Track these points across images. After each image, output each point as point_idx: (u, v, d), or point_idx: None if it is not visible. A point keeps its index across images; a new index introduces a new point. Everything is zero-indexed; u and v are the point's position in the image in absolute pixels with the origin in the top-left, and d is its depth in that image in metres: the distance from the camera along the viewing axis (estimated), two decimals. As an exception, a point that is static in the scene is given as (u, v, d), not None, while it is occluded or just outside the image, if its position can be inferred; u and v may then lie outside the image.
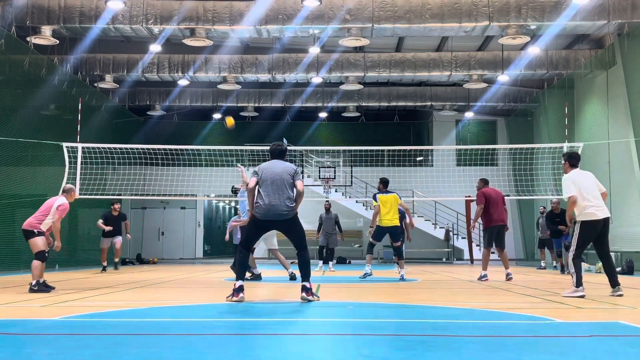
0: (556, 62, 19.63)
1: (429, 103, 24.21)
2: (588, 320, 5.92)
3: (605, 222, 7.86)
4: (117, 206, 15.22)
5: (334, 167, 23.38)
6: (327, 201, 17.09)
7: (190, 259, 25.79)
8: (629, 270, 14.05)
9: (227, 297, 7.37)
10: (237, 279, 7.37)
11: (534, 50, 18.92)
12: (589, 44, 19.67)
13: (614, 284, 8.02)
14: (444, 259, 25.19)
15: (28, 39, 16.31)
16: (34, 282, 8.35)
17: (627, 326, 5.40)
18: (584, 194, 7.83)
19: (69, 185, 9.30)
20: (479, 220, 12.06)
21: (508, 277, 11.29)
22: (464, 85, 21.79)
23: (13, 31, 15.70)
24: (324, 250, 16.04)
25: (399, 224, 11.92)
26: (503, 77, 20.32)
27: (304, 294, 7.23)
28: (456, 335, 4.89)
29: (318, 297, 7.47)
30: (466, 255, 24.58)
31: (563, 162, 8.36)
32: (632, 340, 4.76)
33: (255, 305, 7.14)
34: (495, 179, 19.08)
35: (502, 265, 12.13)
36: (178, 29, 16.59)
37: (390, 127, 27.06)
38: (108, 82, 20.50)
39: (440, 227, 25.00)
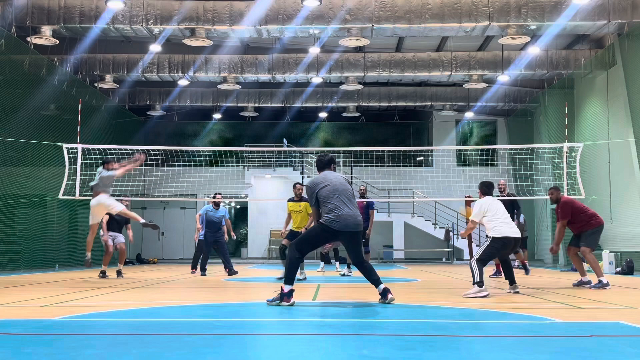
0: (556, 62, 19.63)
1: (429, 103, 24.21)
2: (588, 320, 5.92)
3: (516, 241, 8.27)
4: (126, 203, 13.43)
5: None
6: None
7: (190, 259, 25.76)
8: (629, 270, 14.03)
9: (271, 301, 6.88)
10: (287, 283, 6.83)
11: (534, 50, 18.92)
12: (589, 44, 19.67)
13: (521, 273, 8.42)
14: (444, 259, 25.19)
15: (28, 39, 16.31)
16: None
17: (627, 326, 5.40)
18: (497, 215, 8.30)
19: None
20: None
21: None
22: (464, 85, 21.80)
23: (13, 31, 15.71)
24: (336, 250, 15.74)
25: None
26: (503, 77, 20.32)
27: (390, 296, 7.02)
28: (456, 335, 4.89)
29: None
30: (466, 255, 24.57)
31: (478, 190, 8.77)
32: (632, 340, 4.76)
33: (255, 306, 7.14)
34: (495, 179, 19.09)
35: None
36: (178, 29, 16.60)
37: (390, 127, 27.06)
38: (108, 82, 20.50)
39: (440, 227, 25.02)
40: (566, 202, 9.64)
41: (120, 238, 12.88)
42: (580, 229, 9.56)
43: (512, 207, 12.63)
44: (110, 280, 11.53)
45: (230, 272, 13.16)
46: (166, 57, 20.12)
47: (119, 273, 12.45)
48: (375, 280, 7.23)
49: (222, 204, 13.61)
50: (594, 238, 9.53)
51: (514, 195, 13.77)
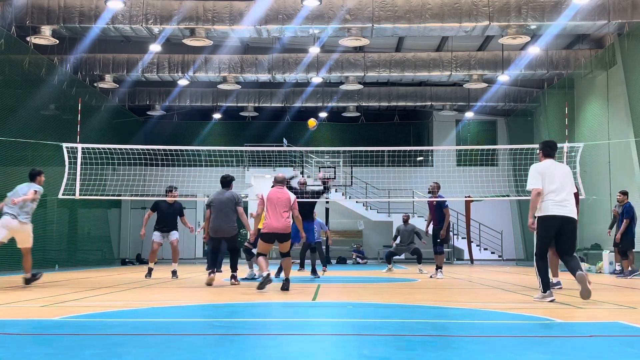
0: (556, 62, 19.63)
1: (429, 103, 24.22)
2: (588, 320, 5.91)
3: (564, 220, 7.08)
4: (175, 193, 12.28)
5: (334, 167, 23.38)
6: (405, 213, 16.74)
7: (190, 259, 25.77)
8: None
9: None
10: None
11: (534, 50, 18.92)
12: (589, 44, 19.67)
13: (548, 284, 7.24)
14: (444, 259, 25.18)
15: (28, 39, 16.31)
16: (265, 273, 8.75)
17: (627, 326, 5.40)
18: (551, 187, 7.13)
19: (282, 175, 9.61)
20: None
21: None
22: (464, 85, 21.80)
23: (13, 31, 15.70)
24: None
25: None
26: (503, 77, 20.32)
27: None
28: (456, 335, 4.88)
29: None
30: (466, 256, 24.58)
31: (538, 151, 7.71)
32: (632, 340, 4.76)
33: (255, 306, 7.14)
34: (495, 179, 19.10)
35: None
36: (178, 29, 16.59)
37: (390, 127, 27.05)
38: (108, 82, 20.50)
39: (440, 227, 24.97)
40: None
41: (174, 234, 12.06)
42: None
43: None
44: (110, 280, 11.53)
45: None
46: (166, 57, 20.12)
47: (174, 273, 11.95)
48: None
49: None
50: None
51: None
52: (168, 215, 12.00)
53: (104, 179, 15.42)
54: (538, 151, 7.61)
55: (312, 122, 12.39)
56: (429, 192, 13.09)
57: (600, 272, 14.82)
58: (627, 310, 6.61)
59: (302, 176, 19.22)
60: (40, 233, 17.12)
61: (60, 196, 12.73)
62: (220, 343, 4.53)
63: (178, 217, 12.19)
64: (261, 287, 8.57)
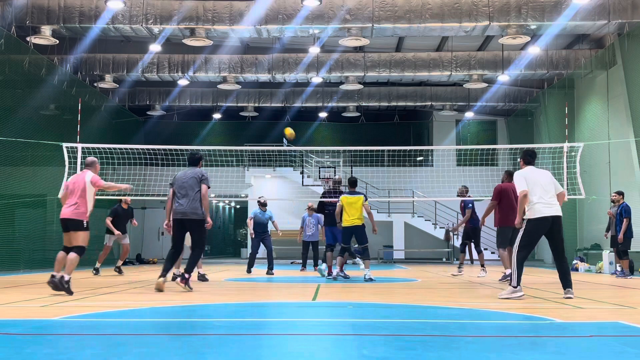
0: (556, 62, 19.62)
1: (429, 103, 24.21)
2: (588, 320, 5.91)
3: (553, 219, 7.63)
4: (128, 199, 14.10)
5: (334, 167, 23.38)
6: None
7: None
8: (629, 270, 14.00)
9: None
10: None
11: (534, 50, 18.92)
12: (589, 44, 19.66)
13: (566, 285, 7.76)
14: (444, 259, 25.19)
15: (28, 39, 16.31)
16: (67, 277, 7.89)
17: (627, 326, 5.40)
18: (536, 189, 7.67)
19: (91, 158, 8.76)
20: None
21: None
22: (464, 85, 21.79)
23: (13, 31, 15.70)
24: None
25: (360, 224, 11.29)
26: (503, 77, 20.32)
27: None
28: (456, 335, 4.89)
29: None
30: (466, 256, 24.55)
31: (519, 159, 8.30)
32: (632, 340, 4.76)
33: (255, 306, 7.14)
34: (495, 179, 19.09)
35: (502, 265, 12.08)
36: (178, 29, 16.59)
37: (390, 127, 27.06)
38: (108, 82, 20.50)
39: (440, 227, 25.00)
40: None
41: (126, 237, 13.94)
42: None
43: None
44: (110, 280, 11.53)
45: (269, 271, 13.72)
46: (166, 57, 20.12)
47: (119, 269, 13.66)
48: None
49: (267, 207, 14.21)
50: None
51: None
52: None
53: (104, 178, 15.40)
54: (519, 159, 8.27)
55: (289, 132, 12.42)
56: (458, 195, 13.57)
57: (600, 272, 14.82)
58: (627, 310, 6.61)
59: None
60: (40, 233, 17.15)
61: (60, 196, 12.70)
62: (220, 343, 4.53)
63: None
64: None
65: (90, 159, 8.68)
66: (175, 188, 8.73)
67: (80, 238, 8.08)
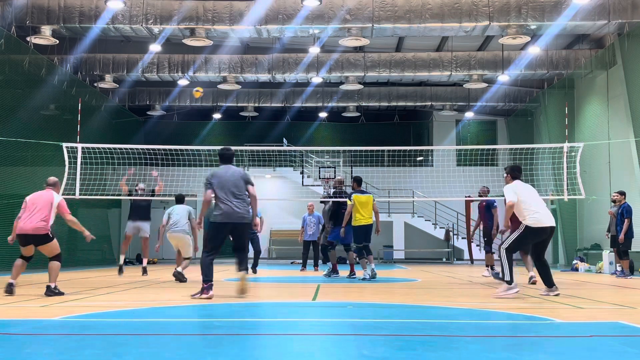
0: (556, 62, 19.62)
1: (429, 103, 24.21)
2: (588, 320, 5.91)
3: (551, 229, 8.08)
4: (142, 186, 13.35)
5: (334, 167, 23.37)
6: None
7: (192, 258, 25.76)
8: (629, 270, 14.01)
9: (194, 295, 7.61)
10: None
11: (534, 50, 18.91)
12: (589, 44, 19.66)
13: (551, 283, 8.23)
14: (444, 259, 25.19)
15: (28, 39, 16.31)
16: (53, 285, 8.04)
17: (627, 326, 5.40)
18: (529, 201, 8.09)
19: (54, 178, 8.68)
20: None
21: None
22: (464, 85, 21.79)
23: (13, 31, 15.71)
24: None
25: (372, 223, 11.46)
26: (503, 77, 20.32)
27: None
28: (456, 335, 4.88)
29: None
30: (466, 256, 24.57)
31: (505, 175, 8.64)
32: (632, 340, 4.76)
33: (255, 306, 7.14)
34: (495, 179, 19.08)
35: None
36: (178, 29, 16.59)
37: (390, 127, 27.05)
38: (108, 82, 20.50)
39: (440, 227, 25.00)
40: None
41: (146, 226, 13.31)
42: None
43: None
44: (110, 280, 11.52)
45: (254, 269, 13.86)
46: (166, 57, 20.12)
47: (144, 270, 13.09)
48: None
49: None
50: None
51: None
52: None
53: (104, 178, 15.42)
54: (505, 174, 8.64)
55: (197, 93, 11.87)
56: (480, 196, 13.24)
57: (600, 272, 14.82)
58: (627, 310, 6.61)
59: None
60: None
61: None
62: (220, 343, 4.53)
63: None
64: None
65: (53, 179, 8.67)
66: (218, 189, 7.77)
67: (53, 248, 8.23)
